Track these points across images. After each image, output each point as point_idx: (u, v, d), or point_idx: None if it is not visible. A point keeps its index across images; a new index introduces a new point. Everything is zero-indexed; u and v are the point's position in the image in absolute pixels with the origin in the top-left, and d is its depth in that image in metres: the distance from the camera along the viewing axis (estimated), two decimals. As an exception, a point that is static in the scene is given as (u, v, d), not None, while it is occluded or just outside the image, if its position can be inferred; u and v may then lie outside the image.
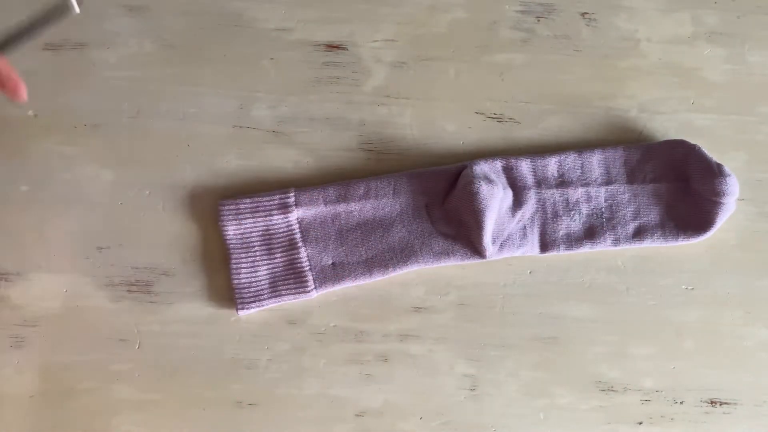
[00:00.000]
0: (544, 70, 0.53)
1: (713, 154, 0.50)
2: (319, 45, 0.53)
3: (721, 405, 0.49)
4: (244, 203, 0.48)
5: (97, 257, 0.50)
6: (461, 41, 0.54)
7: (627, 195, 0.50)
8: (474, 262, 0.49)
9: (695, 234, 0.49)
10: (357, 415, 0.49)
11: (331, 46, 0.53)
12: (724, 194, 0.47)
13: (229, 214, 0.48)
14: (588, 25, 0.54)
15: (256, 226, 0.48)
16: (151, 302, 0.50)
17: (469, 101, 0.53)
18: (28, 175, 0.51)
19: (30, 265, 0.50)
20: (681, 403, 0.49)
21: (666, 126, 0.53)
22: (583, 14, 0.54)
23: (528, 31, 0.54)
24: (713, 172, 0.48)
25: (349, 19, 0.54)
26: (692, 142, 0.50)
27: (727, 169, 0.48)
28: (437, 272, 0.50)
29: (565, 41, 0.54)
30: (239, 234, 0.49)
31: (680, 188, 0.50)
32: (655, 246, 0.50)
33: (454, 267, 0.50)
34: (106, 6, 0.54)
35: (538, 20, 0.54)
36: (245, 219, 0.48)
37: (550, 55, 0.54)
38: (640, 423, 0.49)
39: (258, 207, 0.48)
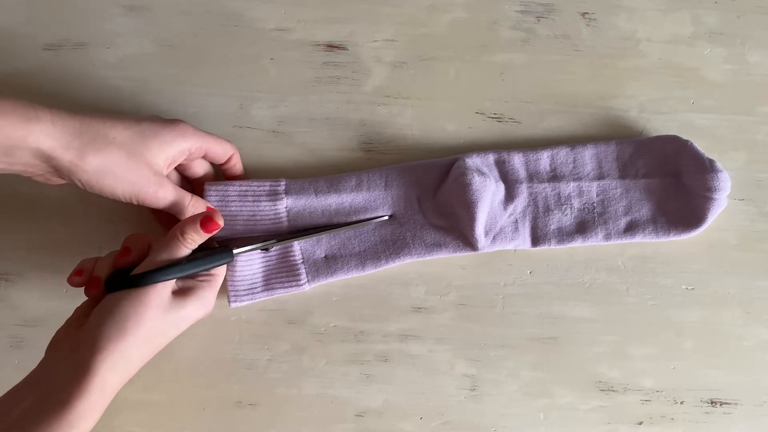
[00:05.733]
0: (544, 70, 0.53)
1: (713, 154, 0.50)
2: (319, 45, 0.53)
3: (721, 405, 0.49)
4: (232, 187, 0.48)
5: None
6: (461, 41, 0.54)
7: (619, 190, 0.50)
8: (466, 254, 0.49)
9: (687, 229, 0.49)
10: (357, 415, 0.49)
11: (331, 46, 0.53)
12: (715, 190, 0.47)
13: (216, 197, 0.48)
14: (588, 25, 0.54)
15: (242, 211, 0.48)
16: (151, 302, 0.49)
17: (469, 101, 0.53)
18: (28, 175, 0.50)
19: (30, 265, 0.50)
20: (681, 403, 0.49)
21: (666, 126, 0.53)
22: (583, 14, 0.54)
23: (528, 31, 0.54)
24: (705, 168, 0.48)
25: (349, 19, 0.54)
26: (684, 137, 0.50)
27: (718, 164, 0.48)
28: (437, 272, 0.50)
29: (565, 41, 0.54)
30: (223, 217, 0.48)
31: (672, 183, 0.50)
32: (654, 245, 0.50)
33: (454, 267, 0.50)
34: (106, 6, 0.54)
35: (538, 20, 0.54)
36: (231, 203, 0.48)
37: (550, 55, 0.54)
38: (641, 423, 0.49)
39: (246, 192, 0.48)
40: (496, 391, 0.49)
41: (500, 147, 0.51)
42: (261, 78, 0.53)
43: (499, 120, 0.53)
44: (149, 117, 0.44)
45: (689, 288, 0.50)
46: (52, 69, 0.52)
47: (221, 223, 0.43)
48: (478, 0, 0.54)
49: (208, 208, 0.46)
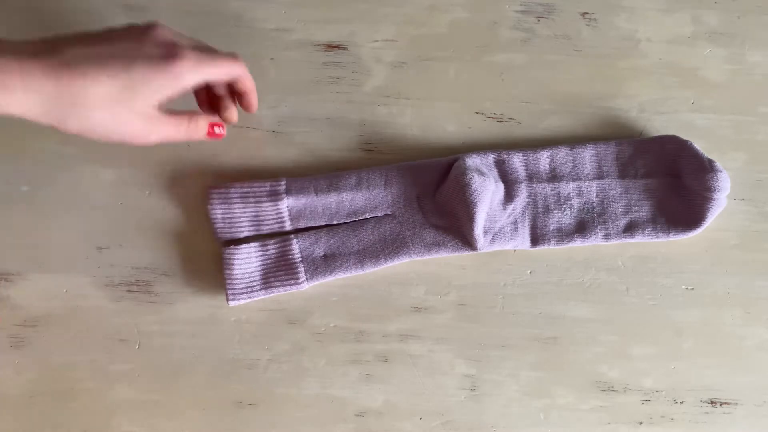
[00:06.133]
0: (544, 70, 0.53)
1: (713, 154, 0.50)
2: (319, 45, 0.53)
3: (721, 405, 0.49)
4: (234, 189, 0.49)
5: (97, 257, 0.50)
6: (461, 41, 0.54)
7: (618, 190, 0.50)
8: (465, 253, 0.49)
9: (686, 229, 0.49)
10: (357, 415, 0.49)
11: (331, 46, 0.53)
12: (715, 190, 0.47)
13: (219, 200, 0.48)
14: (588, 25, 0.54)
15: (245, 212, 0.48)
16: (151, 302, 0.50)
17: (469, 101, 0.53)
18: (28, 175, 0.50)
19: (30, 265, 0.50)
20: (681, 403, 0.49)
21: (666, 126, 0.53)
22: (583, 14, 0.54)
23: (528, 31, 0.54)
24: (705, 168, 0.48)
25: (349, 19, 0.54)
26: (684, 137, 0.50)
27: (718, 164, 0.48)
28: (437, 272, 0.50)
29: (565, 41, 0.54)
30: (228, 219, 0.49)
31: (671, 184, 0.50)
32: (654, 245, 0.50)
33: (454, 267, 0.50)
34: (106, 6, 0.54)
35: (538, 20, 0.54)
36: (234, 205, 0.48)
37: (550, 55, 0.54)
38: (641, 423, 0.49)
39: (248, 194, 0.48)
40: (496, 391, 0.49)
41: (500, 147, 0.51)
42: (261, 78, 0.53)
43: (499, 120, 0.53)
44: (147, 48, 0.38)
45: (689, 288, 0.50)
46: (52, 69, 0.52)
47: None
48: (478, 0, 0.54)
49: (210, 124, 0.45)
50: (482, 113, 0.53)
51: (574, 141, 0.52)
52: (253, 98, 0.48)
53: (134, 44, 0.38)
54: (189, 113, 0.43)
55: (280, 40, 0.53)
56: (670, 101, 0.53)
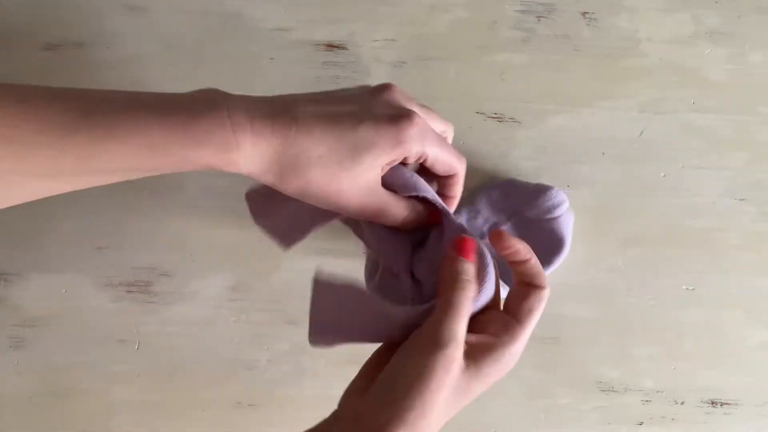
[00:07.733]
0: (544, 69, 0.53)
1: (713, 154, 0.50)
2: (319, 45, 0.53)
3: (721, 405, 0.49)
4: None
5: (97, 257, 0.50)
6: (461, 41, 0.54)
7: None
8: None
9: (555, 256, 0.48)
10: (357, 416, 0.49)
11: (331, 46, 0.53)
12: (554, 208, 0.47)
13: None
14: (588, 25, 0.54)
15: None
16: (150, 302, 0.50)
17: (469, 101, 0.53)
18: (28, 175, 0.50)
19: (30, 265, 0.50)
20: (682, 403, 0.49)
21: (666, 126, 0.53)
22: (583, 14, 0.54)
23: (528, 31, 0.54)
24: (535, 193, 0.47)
25: (349, 19, 0.54)
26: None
27: (545, 184, 0.47)
28: (437, 272, 0.50)
29: (566, 41, 0.54)
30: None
31: (518, 222, 0.49)
32: (656, 245, 0.50)
33: (454, 267, 0.50)
34: (106, 6, 0.54)
35: (539, 20, 0.54)
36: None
37: (550, 54, 0.54)
38: (641, 423, 0.49)
39: None
40: (496, 391, 0.49)
41: (500, 147, 0.51)
42: (261, 78, 0.53)
43: (499, 120, 0.53)
44: (378, 108, 0.35)
45: (689, 288, 0.50)
46: (52, 69, 0.52)
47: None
48: (478, 0, 0.54)
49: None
50: (482, 113, 0.53)
51: (573, 141, 0.52)
52: (453, 205, 0.41)
53: (365, 105, 0.35)
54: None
55: (280, 40, 0.53)
56: (670, 101, 0.53)
